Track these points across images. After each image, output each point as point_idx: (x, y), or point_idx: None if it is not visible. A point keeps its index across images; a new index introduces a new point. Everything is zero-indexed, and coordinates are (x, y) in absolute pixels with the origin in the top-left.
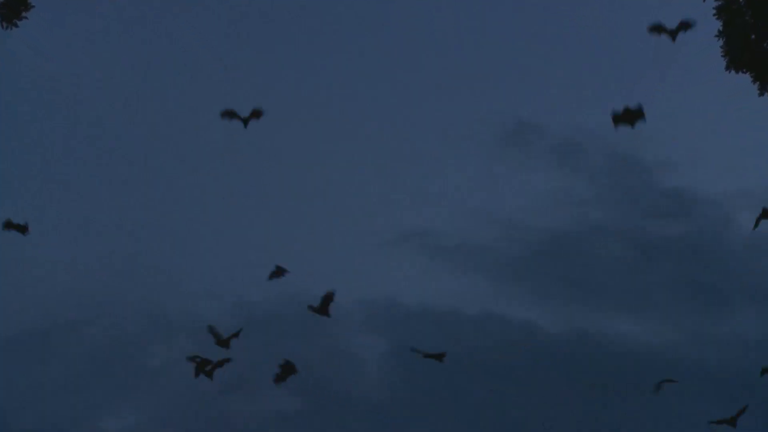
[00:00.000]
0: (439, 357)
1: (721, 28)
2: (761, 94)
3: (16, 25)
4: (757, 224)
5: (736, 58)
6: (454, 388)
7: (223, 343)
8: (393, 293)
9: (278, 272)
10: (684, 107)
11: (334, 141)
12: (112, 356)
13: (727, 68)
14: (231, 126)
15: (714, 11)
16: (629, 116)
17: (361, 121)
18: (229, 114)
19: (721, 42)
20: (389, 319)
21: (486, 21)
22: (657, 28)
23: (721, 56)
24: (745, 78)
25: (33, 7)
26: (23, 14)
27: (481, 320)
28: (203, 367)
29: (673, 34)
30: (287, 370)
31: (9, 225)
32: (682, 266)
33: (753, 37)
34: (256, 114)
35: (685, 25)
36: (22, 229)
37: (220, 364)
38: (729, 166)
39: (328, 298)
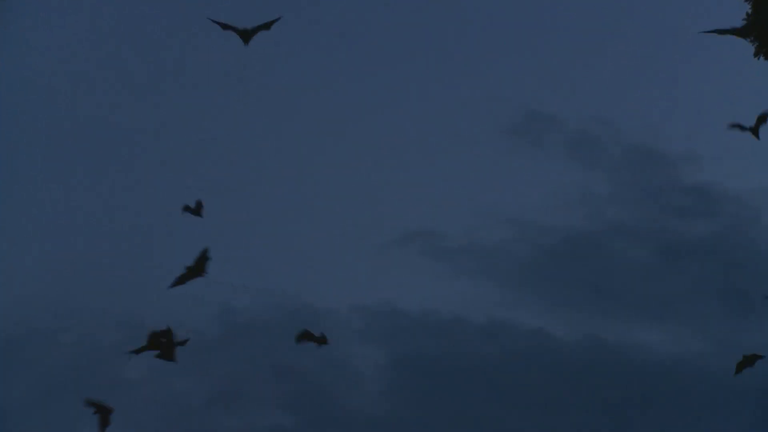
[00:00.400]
0: (319, 340)
1: (749, 11)
2: None
3: None
4: None
5: (766, 44)
6: (459, 402)
7: (195, 270)
8: (393, 299)
9: (195, 208)
10: (709, 96)
11: (329, 133)
12: (87, 367)
13: (756, 55)
14: (214, 121)
15: None
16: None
17: (358, 112)
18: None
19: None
20: (389, 328)
21: (493, 1)
22: (737, 126)
23: (750, 42)
24: None
25: None
26: None
27: (489, 328)
28: (156, 339)
29: (754, 130)
30: (318, 339)
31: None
32: (708, 269)
33: None
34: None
35: (763, 118)
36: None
37: (180, 343)
38: (759, 160)
39: (202, 258)
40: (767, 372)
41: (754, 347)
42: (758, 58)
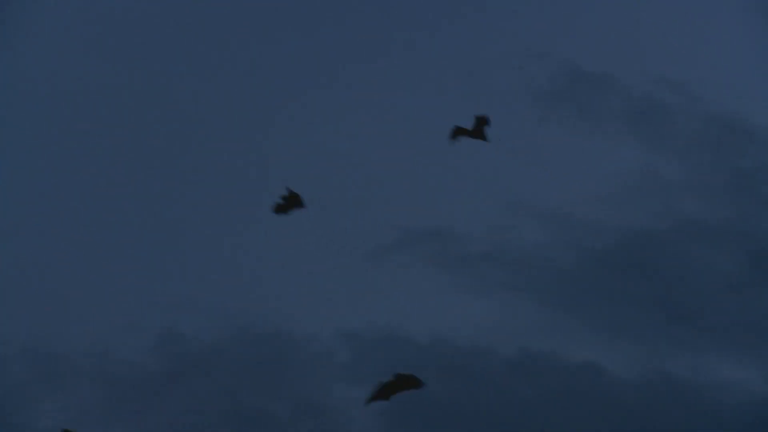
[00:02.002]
0: (413, 384)
1: None
2: None
3: None
4: None
5: None
6: None
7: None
8: (392, 323)
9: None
10: None
11: (304, 96)
12: None
13: None
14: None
15: None
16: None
17: (344, 63)
18: None
19: None
20: (387, 361)
21: None
22: (461, 132)
23: None
24: None
25: None
26: None
27: (521, 362)
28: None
29: (476, 133)
30: (292, 200)
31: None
32: None
33: None
34: None
35: (483, 120)
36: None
37: None
38: None
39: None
40: None
41: None
42: None
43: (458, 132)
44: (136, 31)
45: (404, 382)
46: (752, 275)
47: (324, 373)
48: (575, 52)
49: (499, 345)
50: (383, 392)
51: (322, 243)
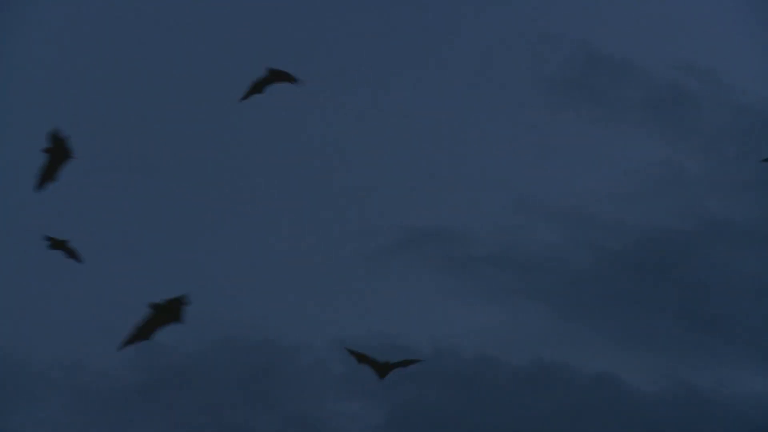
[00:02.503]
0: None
1: None
2: None
3: None
4: None
5: None
6: None
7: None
8: (392, 331)
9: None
10: None
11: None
12: None
13: None
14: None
15: None
16: None
17: (342, 53)
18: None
19: None
20: None
21: None
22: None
23: None
24: None
25: None
26: None
27: (532, 373)
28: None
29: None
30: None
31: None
32: None
33: None
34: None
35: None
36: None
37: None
38: None
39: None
40: None
41: None
42: None
43: (254, 90)
44: (136, 31)
45: (278, 76)
46: None
47: (316, 385)
48: (591, 35)
49: (508, 355)
50: (257, 87)
51: (314, 243)
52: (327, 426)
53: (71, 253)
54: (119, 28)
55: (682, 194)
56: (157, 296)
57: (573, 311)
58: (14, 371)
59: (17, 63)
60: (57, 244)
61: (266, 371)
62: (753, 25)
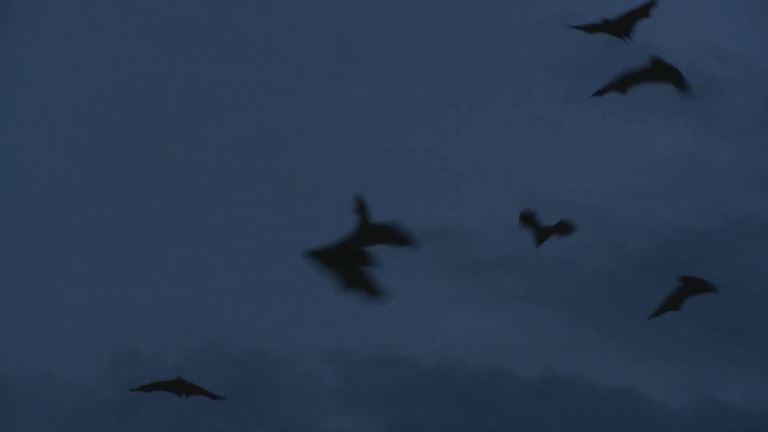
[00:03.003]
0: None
1: None
2: None
3: None
4: None
5: None
6: None
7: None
8: (391, 341)
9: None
10: None
11: (288, 74)
12: None
13: None
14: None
15: None
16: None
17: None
18: None
19: None
20: (384, 386)
21: None
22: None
23: None
24: None
25: None
26: None
27: (545, 387)
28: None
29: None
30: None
31: None
32: None
33: None
34: None
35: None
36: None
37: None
38: None
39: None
40: None
41: None
42: None
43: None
44: (137, 30)
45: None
46: None
47: (308, 399)
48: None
49: (517, 367)
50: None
51: (305, 244)
52: None
53: None
54: (119, 27)
55: (708, 190)
56: (131, 304)
57: (589, 318)
58: None
59: (17, 62)
60: None
61: (254, 384)
62: None
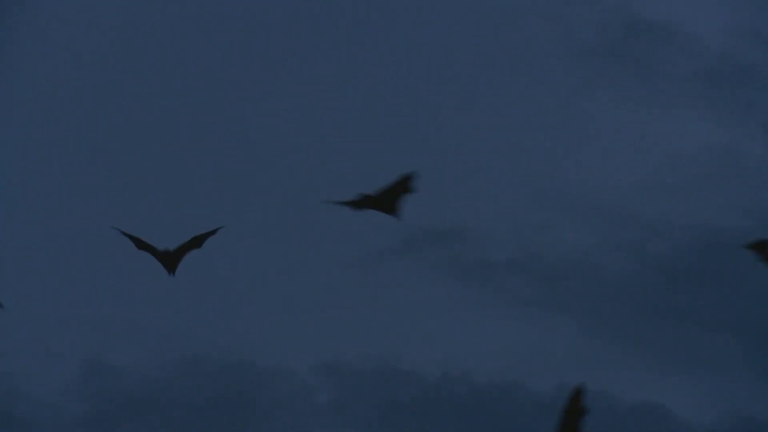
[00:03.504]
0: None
1: None
2: None
3: None
4: None
5: None
6: None
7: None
8: (390, 352)
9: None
10: None
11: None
12: None
13: None
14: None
15: None
16: None
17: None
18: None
19: None
20: (383, 400)
21: None
22: None
23: None
24: None
25: None
26: None
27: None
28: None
29: None
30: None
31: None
32: None
33: None
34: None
35: None
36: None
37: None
38: None
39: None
40: None
41: None
42: None
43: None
44: (137, 30)
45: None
46: None
47: (298, 417)
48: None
49: (530, 380)
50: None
51: (299, 246)
52: None
53: None
54: (119, 28)
55: (740, 186)
56: (109, 307)
57: (608, 327)
58: None
59: (17, 63)
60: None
61: (238, 400)
62: None
